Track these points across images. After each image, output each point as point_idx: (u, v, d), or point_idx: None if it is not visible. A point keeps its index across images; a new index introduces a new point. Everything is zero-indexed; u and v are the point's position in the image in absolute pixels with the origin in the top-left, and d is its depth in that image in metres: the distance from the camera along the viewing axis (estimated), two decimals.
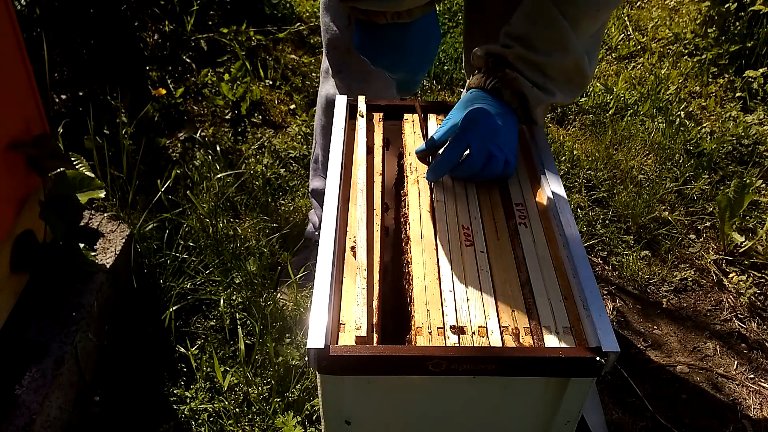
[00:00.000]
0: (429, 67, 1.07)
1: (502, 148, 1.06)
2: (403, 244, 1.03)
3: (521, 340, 0.86)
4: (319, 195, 1.79)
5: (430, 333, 0.87)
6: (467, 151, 1.06)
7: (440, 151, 1.09)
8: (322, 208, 1.06)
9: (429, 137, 1.13)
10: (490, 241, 1.01)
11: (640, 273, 2.01)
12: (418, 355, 0.82)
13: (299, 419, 1.51)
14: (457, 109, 1.11)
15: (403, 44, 0.99)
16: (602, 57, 2.94)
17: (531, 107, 1.10)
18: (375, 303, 0.92)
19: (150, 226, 1.81)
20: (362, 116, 1.21)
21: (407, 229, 1.03)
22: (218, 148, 2.22)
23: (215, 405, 1.55)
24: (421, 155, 1.13)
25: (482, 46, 1.13)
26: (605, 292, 1.97)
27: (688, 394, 1.71)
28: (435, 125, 1.22)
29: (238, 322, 1.70)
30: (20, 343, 1.40)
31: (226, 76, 2.48)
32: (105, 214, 1.71)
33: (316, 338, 0.82)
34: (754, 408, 1.70)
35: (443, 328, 0.88)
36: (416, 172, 1.13)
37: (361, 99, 1.25)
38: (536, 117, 1.13)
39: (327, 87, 1.62)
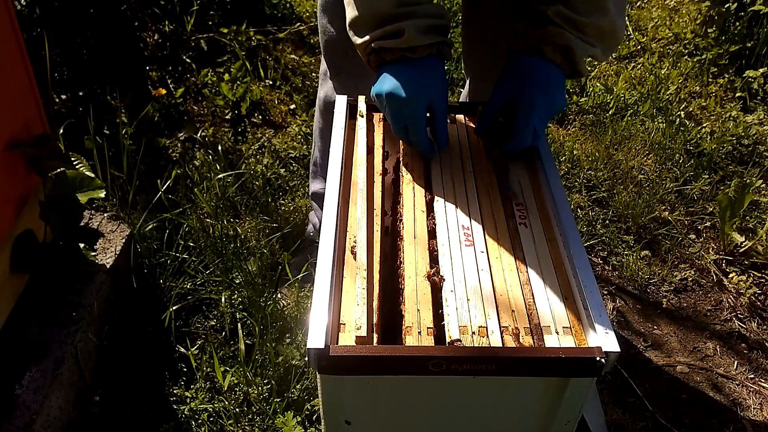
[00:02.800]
0: (422, 122, 1.11)
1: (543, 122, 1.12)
2: (398, 244, 1.03)
3: (521, 340, 0.86)
4: (319, 198, 1.78)
5: (419, 333, 0.87)
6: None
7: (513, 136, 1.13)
8: (322, 210, 1.06)
9: (486, 117, 1.17)
10: (490, 241, 1.01)
11: (640, 273, 2.01)
12: (419, 355, 0.82)
13: (299, 419, 1.51)
14: (506, 80, 1.13)
15: (402, 81, 1.06)
16: None
17: (578, 59, 1.10)
18: (375, 303, 0.92)
19: (150, 226, 1.81)
20: (362, 116, 1.21)
21: (401, 228, 1.03)
22: (218, 148, 2.22)
23: (215, 405, 1.55)
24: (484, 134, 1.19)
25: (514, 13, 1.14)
26: (605, 292, 1.97)
27: (688, 394, 1.71)
28: None
29: (239, 322, 1.70)
30: (20, 343, 1.40)
31: (226, 76, 2.48)
32: (105, 214, 1.71)
33: (316, 338, 0.82)
34: (754, 408, 1.70)
35: (433, 327, 0.88)
36: (411, 172, 1.13)
37: (361, 99, 1.24)
38: (582, 69, 1.13)
39: (325, 89, 1.61)
